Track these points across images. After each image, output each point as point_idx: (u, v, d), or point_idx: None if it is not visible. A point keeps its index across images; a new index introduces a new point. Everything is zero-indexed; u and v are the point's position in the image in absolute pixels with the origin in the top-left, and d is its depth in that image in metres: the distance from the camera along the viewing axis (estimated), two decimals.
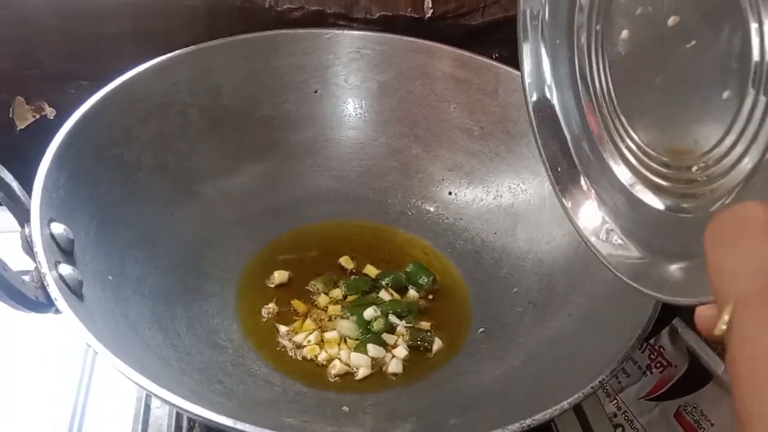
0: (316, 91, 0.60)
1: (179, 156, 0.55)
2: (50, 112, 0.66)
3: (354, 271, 0.56)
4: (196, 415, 0.32)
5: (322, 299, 0.53)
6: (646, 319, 0.39)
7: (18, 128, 0.66)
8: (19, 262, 0.38)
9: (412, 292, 0.54)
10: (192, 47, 0.55)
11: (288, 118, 0.60)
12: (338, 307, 0.52)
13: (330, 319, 0.51)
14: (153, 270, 0.49)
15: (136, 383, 0.33)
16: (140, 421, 0.48)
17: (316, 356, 0.48)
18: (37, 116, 0.66)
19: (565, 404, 0.34)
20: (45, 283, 0.36)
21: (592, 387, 0.35)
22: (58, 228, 0.41)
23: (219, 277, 0.53)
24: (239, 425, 0.31)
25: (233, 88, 0.58)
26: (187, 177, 0.55)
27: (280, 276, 0.54)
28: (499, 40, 0.68)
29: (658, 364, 0.63)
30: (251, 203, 0.58)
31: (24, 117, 0.66)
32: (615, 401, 0.65)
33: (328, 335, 0.50)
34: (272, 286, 0.53)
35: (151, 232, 0.51)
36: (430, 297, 0.54)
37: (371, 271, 0.55)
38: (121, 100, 0.50)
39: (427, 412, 0.44)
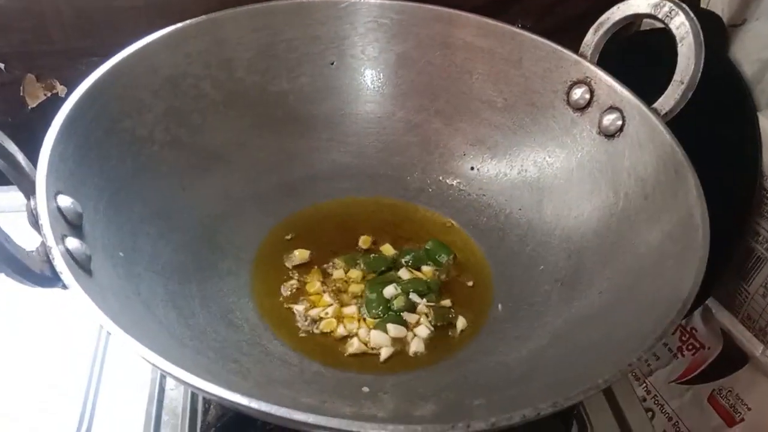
0: (332, 63, 0.58)
1: (193, 130, 0.53)
2: (61, 90, 0.65)
3: (371, 250, 0.53)
4: (211, 394, 0.30)
5: (341, 277, 0.51)
6: (686, 293, 0.36)
7: (29, 107, 0.65)
8: (29, 240, 0.37)
9: (432, 270, 0.52)
10: (203, 17, 0.53)
11: (303, 91, 0.58)
12: (360, 286, 0.50)
13: (351, 296, 0.50)
14: (166, 246, 0.48)
15: (149, 361, 0.31)
16: (155, 403, 0.47)
17: (334, 330, 0.47)
18: (48, 94, 0.65)
19: (600, 381, 0.32)
20: (51, 256, 0.34)
21: (629, 364, 0.33)
22: (65, 201, 0.39)
23: (234, 255, 0.51)
24: (254, 403, 0.29)
25: (247, 61, 0.56)
26: (201, 151, 0.53)
27: (300, 255, 0.52)
28: (524, 9, 0.66)
29: (690, 346, 0.60)
30: (266, 179, 0.56)
31: (35, 95, 0.65)
32: (644, 385, 0.63)
33: (347, 310, 0.48)
34: (291, 266, 0.51)
35: (164, 207, 0.50)
36: (452, 275, 0.52)
37: (388, 250, 0.53)
38: (131, 72, 0.49)
39: (450, 392, 0.42)
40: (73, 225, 0.39)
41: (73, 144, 0.42)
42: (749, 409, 0.54)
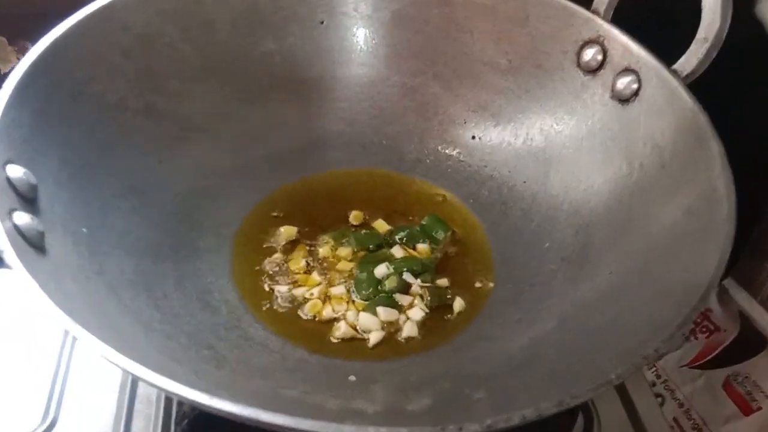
0: (322, 23, 0.54)
1: (170, 97, 0.49)
2: None
3: (363, 226, 0.50)
4: (167, 390, 0.26)
5: (328, 255, 0.47)
6: (709, 276, 0.32)
7: (2, 71, 0.61)
8: None
9: (428, 248, 0.48)
10: None
11: (291, 54, 0.53)
12: (349, 264, 0.46)
13: (339, 276, 0.46)
14: (140, 223, 0.44)
15: (96, 349, 0.27)
16: (127, 391, 0.44)
17: (320, 312, 0.43)
18: (22, 57, 0.61)
19: (612, 376, 0.28)
20: None
21: (644, 357, 0.29)
22: (15, 171, 0.35)
23: (215, 231, 0.48)
24: (215, 402, 0.26)
25: (229, 22, 0.51)
26: (180, 120, 0.49)
27: (287, 232, 0.48)
28: None
29: (704, 329, 0.56)
30: (251, 151, 0.52)
31: (7, 59, 0.61)
32: (654, 369, 0.59)
33: (334, 290, 0.45)
34: (276, 244, 0.48)
35: (139, 181, 0.46)
36: (449, 253, 0.48)
37: (381, 226, 0.49)
38: (98, 29, 0.44)
39: (446, 382, 0.39)
40: (25, 198, 0.35)
41: (29, 109, 0.39)
42: (767, 397, 0.50)
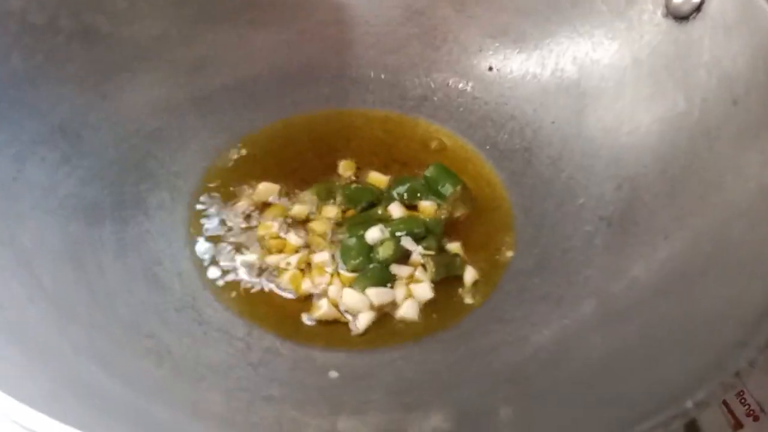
0: None
1: (115, 17, 0.41)
2: None
3: (355, 179, 0.41)
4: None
5: (309, 215, 0.38)
6: None
7: None
8: None
9: (434, 206, 0.39)
10: None
11: None
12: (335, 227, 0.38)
13: (322, 241, 0.37)
14: (71, 174, 0.36)
15: None
16: None
17: (298, 287, 0.35)
18: None
19: (690, 405, 0.19)
20: None
21: (736, 373, 0.20)
22: None
23: (170, 184, 0.40)
24: None
25: None
26: (128, 47, 0.41)
27: (266, 190, 0.40)
28: None
29: None
30: (218, 85, 0.44)
31: None
32: None
33: (317, 257, 0.36)
34: (251, 202, 0.39)
35: (72, 120, 0.38)
36: (459, 212, 0.39)
37: (377, 180, 0.41)
38: None
39: (451, 383, 0.30)
40: None
41: None
42: None
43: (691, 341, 0.24)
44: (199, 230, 0.37)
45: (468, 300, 0.35)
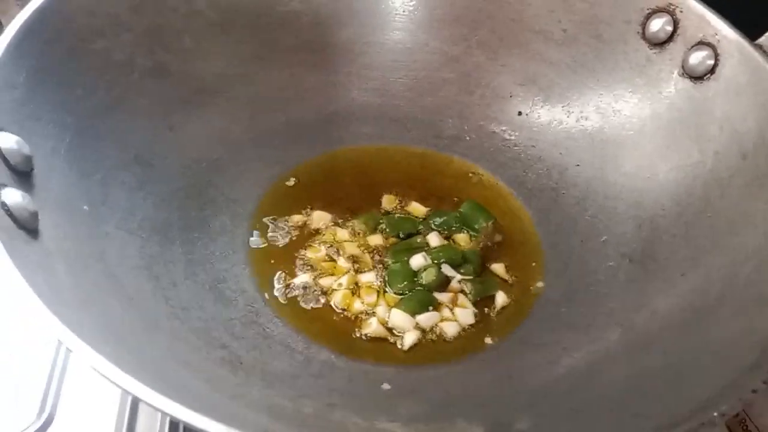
0: None
1: (183, 56, 0.44)
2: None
3: (398, 210, 0.45)
4: (170, 414, 0.21)
5: (355, 243, 0.42)
6: None
7: (1, 24, 0.56)
8: None
9: (467, 238, 0.43)
10: None
11: (319, 14, 0.48)
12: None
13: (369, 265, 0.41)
14: (146, 199, 0.40)
15: (87, 360, 0.23)
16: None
17: (350, 306, 0.39)
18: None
19: (715, 414, 0.23)
20: None
21: (753, 390, 0.24)
22: (7, 140, 0.31)
23: (229, 210, 0.43)
24: None
25: None
26: (193, 83, 0.45)
27: (319, 218, 0.43)
28: None
29: None
30: (271, 119, 0.47)
31: (7, 11, 0.56)
32: None
33: (364, 277, 0.40)
34: (300, 227, 0.43)
35: (145, 151, 0.41)
36: (491, 245, 0.43)
37: (417, 210, 0.44)
38: None
39: (489, 399, 0.34)
40: (18, 171, 0.31)
41: (24, 68, 0.34)
42: None
43: (708, 365, 0.28)
44: (257, 252, 0.41)
45: (501, 324, 0.39)
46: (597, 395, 0.32)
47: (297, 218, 0.43)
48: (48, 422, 0.37)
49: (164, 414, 0.22)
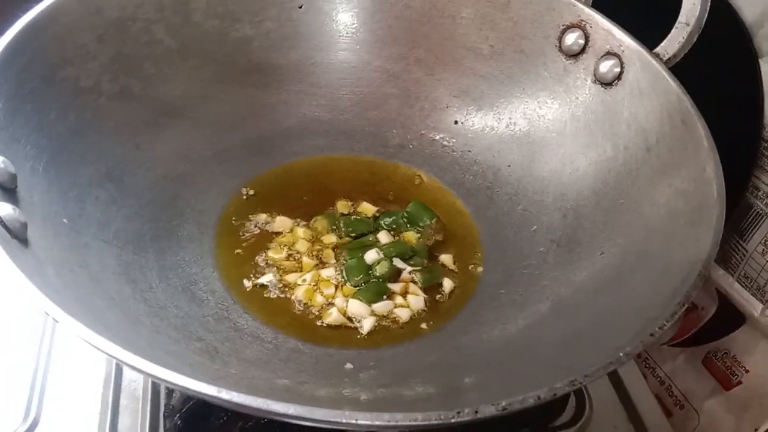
0: (300, 7, 0.52)
1: (146, 80, 0.47)
2: None
3: (352, 213, 0.49)
4: (169, 381, 0.25)
5: (314, 240, 0.46)
6: (705, 254, 0.33)
7: None
8: None
9: (415, 235, 0.48)
10: None
11: (269, 38, 0.52)
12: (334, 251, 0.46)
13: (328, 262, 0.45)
14: (118, 212, 0.43)
15: (90, 342, 0.26)
16: (111, 386, 0.42)
17: (312, 299, 0.42)
18: None
19: (621, 355, 0.28)
20: None
21: (651, 334, 0.29)
22: None
23: (196, 220, 0.46)
24: (224, 393, 0.25)
25: (205, 3, 0.50)
26: (156, 105, 0.48)
27: (282, 222, 0.47)
28: None
29: None
30: (230, 136, 0.51)
31: None
32: None
33: (324, 272, 0.44)
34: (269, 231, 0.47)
35: (115, 168, 0.44)
36: (436, 238, 0.48)
37: (368, 209, 0.49)
38: (71, 12, 0.42)
39: (441, 368, 0.38)
40: (5, 188, 0.34)
41: (3, 95, 0.37)
42: (747, 371, 0.52)
43: (623, 322, 0.33)
44: (223, 255, 0.45)
45: (449, 307, 0.43)
46: (533, 357, 0.36)
47: (263, 216, 0.47)
48: (34, 424, 0.40)
49: (155, 378, 0.25)
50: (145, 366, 0.25)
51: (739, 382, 0.52)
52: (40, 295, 0.27)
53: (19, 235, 0.32)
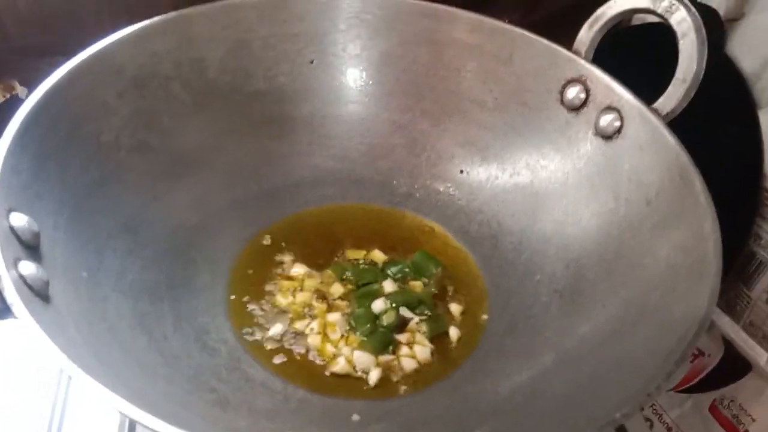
0: (311, 62, 0.54)
1: (163, 134, 0.49)
2: (21, 91, 0.61)
3: (361, 260, 0.51)
4: None
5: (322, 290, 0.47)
6: (702, 311, 0.34)
7: None
8: None
9: (421, 284, 0.49)
10: (172, 13, 0.49)
11: (281, 92, 0.54)
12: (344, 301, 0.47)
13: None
14: (134, 263, 0.44)
15: (111, 403, 0.27)
16: None
17: (321, 349, 0.44)
18: (8, 95, 0.60)
19: (618, 415, 0.29)
20: (1, 285, 0.30)
21: (648, 394, 0.30)
22: (19, 219, 0.35)
23: (209, 269, 0.48)
24: None
25: (219, 60, 0.52)
26: (172, 157, 0.50)
27: (294, 271, 0.49)
28: (512, 3, 0.63)
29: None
30: (244, 186, 0.53)
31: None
32: None
33: (330, 317, 0.45)
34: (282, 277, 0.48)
35: (133, 220, 0.46)
36: (442, 286, 0.49)
37: (378, 257, 0.50)
38: (94, 72, 0.44)
39: (449, 419, 0.39)
40: (29, 246, 0.35)
41: (29, 154, 0.39)
42: (753, 420, 0.52)
43: (622, 378, 0.34)
44: (235, 304, 0.46)
45: (455, 356, 0.44)
46: (538, 409, 0.37)
47: (276, 264, 0.49)
48: None
49: None
50: (160, 426, 0.26)
51: (746, 431, 0.52)
52: (61, 354, 0.28)
53: (41, 293, 0.33)
